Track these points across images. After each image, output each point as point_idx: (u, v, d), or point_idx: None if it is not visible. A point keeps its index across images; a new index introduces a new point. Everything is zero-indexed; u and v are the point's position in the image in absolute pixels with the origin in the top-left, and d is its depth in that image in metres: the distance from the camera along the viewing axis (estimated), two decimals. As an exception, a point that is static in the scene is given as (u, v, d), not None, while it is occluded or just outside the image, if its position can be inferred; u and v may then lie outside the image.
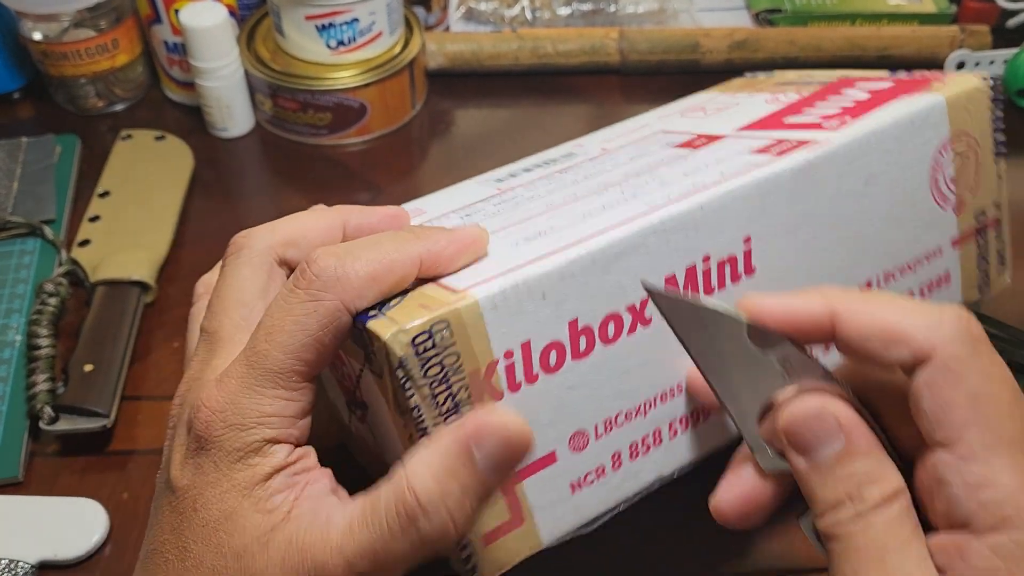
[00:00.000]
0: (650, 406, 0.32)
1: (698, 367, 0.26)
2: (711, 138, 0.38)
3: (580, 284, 0.29)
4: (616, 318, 0.30)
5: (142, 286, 0.48)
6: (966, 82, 0.38)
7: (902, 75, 0.41)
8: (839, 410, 0.25)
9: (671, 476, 0.33)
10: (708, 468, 0.31)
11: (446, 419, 0.27)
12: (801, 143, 0.34)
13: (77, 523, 0.39)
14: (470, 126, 0.63)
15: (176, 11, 0.58)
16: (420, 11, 0.66)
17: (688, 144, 0.38)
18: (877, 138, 0.35)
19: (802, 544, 0.38)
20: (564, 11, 0.70)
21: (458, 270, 0.29)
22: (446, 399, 0.27)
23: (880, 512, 0.24)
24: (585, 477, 0.31)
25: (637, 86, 0.65)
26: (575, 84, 0.65)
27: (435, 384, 0.27)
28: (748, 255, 0.32)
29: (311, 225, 0.31)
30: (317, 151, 0.60)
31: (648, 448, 0.33)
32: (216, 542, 0.26)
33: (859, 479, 0.25)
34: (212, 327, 0.29)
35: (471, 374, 0.28)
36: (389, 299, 0.28)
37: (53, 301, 0.47)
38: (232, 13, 0.60)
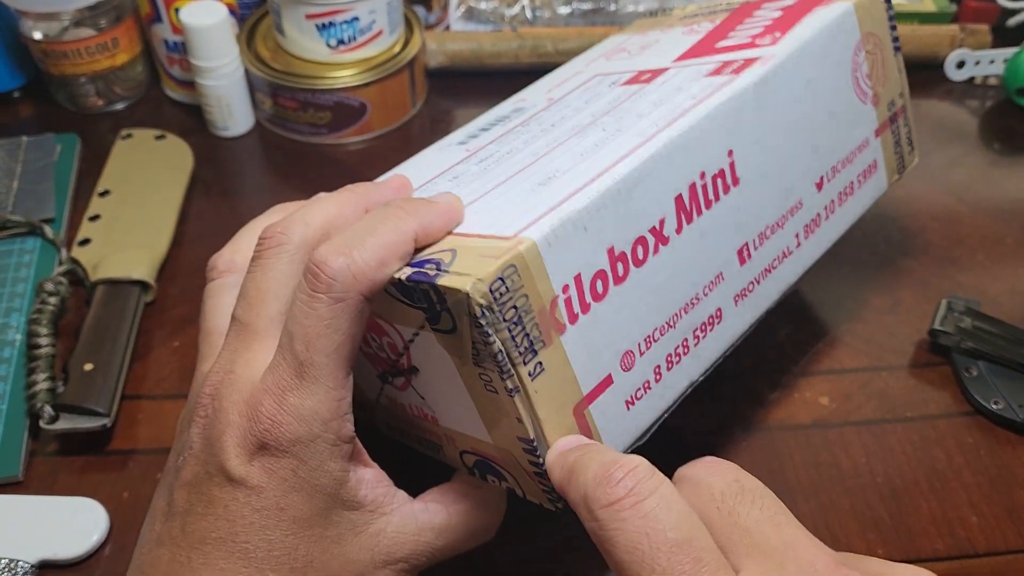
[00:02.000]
0: (677, 318, 0.35)
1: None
2: (655, 72, 0.41)
3: (612, 213, 0.32)
4: (642, 241, 0.33)
5: (142, 285, 0.48)
6: None
7: None
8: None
9: (698, 380, 0.37)
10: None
11: (524, 359, 0.29)
12: (748, 61, 0.38)
13: (77, 522, 0.39)
14: (470, 125, 0.63)
15: (176, 10, 0.58)
16: (420, 10, 0.66)
17: (636, 80, 0.41)
18: (808, 47, 0.39)
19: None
20: (564, 10, 0.70)
21: (441, 237, 0.31)
22: (523, 339, 0.29)
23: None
24: (636, 393, 0.34)
25: (637, 85, 0.65)
26: (575, 83, 0.65)
27: (512, 326, 0.29)
28: (732, 167, 0.36)
29: (341, 216, 0.32)
30: (317, 150, 0.60)
31: (679, 357, 0.36)
32: (315, 536, 0.29)
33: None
34: (247, 319, 0.30)
35: (539, 311, 0.29)
36: (422, 260, 0.30)
37: (53, 300, 0.47)
38: (232, 12, 0.60)
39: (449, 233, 0.31)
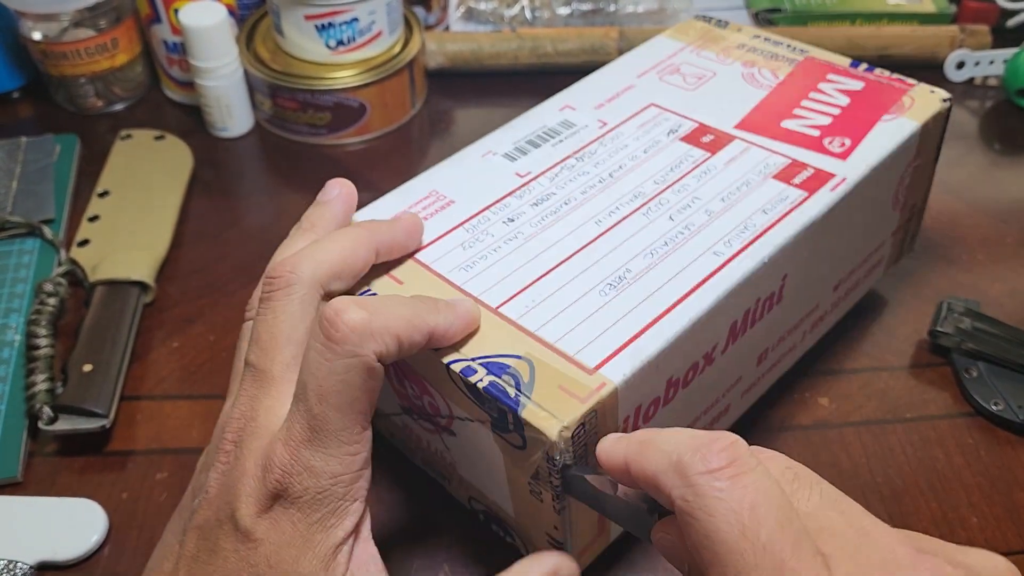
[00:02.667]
0: (695, 421, 0.37)
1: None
2: (718, 138, 0.40)
3: (680, 350, 0.33)
4: (695, 366, 0.34)
5: (141, 286, 0.48)
6: (932, 104, 0.43)
7: (866, 72, 0.45)
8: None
9: None
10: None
11: None
12: (818, 176, 0.38)
13: (76, 523, 0.39)
14: (470, 125, 0.63)
15: (175, 11, 0.58)
16: (420, 11, 0.66)
17: (696, 141, 0.40)
18: (875, 172, 0.39)
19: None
20: (563, 11, 0.70)
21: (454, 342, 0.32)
22: (583, 466, 0.30)
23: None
24: None
25: (637, 86, 0.65)
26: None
27: (579, 459, 0.30)
28: (782, 289, 0.37)
29: (352, 255, 0.32)
30: (316, 151, 0.60)
31: None
32: None
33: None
34: (263, 364, 0.29)
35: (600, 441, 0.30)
36: (496, 364, 0.31)
37: (52, 301, 0.47)
38: (231, 13, 0.60)
39: (523, 331, 0.32)
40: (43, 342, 0.45)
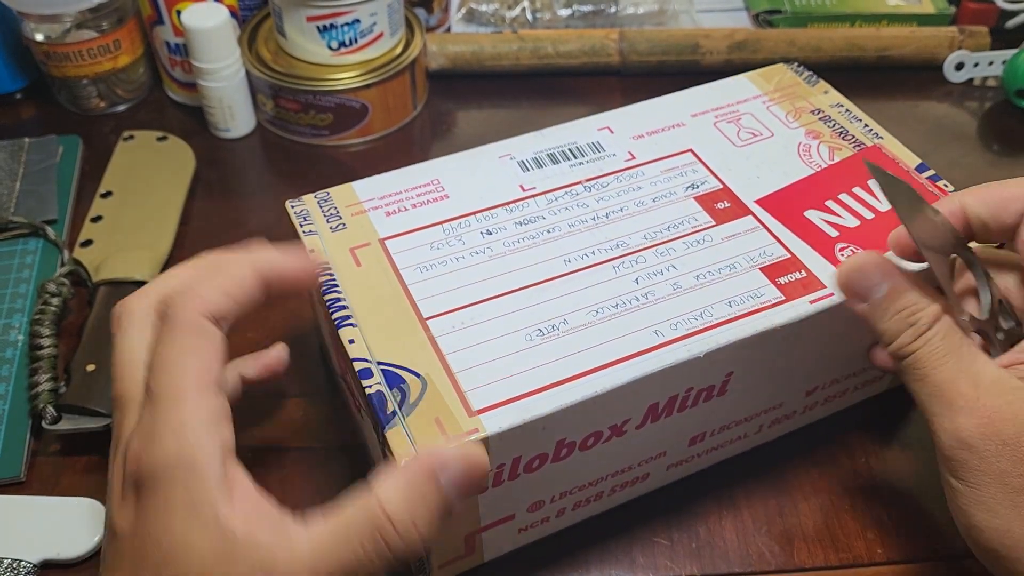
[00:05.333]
0: (602, 480, 0.36)
1: (908, 231, 0.31)
2: (733, 207, 0.39)
3: (579, 417, 0.32)
4: (597, 434, 0.33)
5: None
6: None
7: (927, 179, 0.41)
8: (879, 261, 0.31)
9: (597, 515, 0.38)
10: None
11: None
12: (807, 283, 0.35)
13: (79, 523, 0.39)
14: (471, 127, 0.63)
15: (178, 12, 0.58)
16: (421, 12, 0.66)
17: (708, 203, 0.39)
18: None
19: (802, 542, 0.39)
20: (564, 12, 0.70)
21: (293, 277, 0.32)
22: None
23: (933, 329, 0.30)
24: (532, 525, 0.36)
25: (637, 87, 0.65)
26: (575, 85, 0.65)
27: None
28: (725, 384, 0.35)
29: (193, 278, 0.31)
30: (318, 152, 0.60)
31: (588, 502, 0.37)
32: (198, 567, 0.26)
33: (908, 310, 0.31)
34: (116, 392, 0.30)
35: None
36: (396, 372, 0.31)
37: (55, 301, 0.47)
38: (233, 14, 0.60)
39: (436, 350, 0.32)
40: (46, 342, 0.45)
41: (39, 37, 0.59)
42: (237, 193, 0.57)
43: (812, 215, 0.39)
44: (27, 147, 0.58)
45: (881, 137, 0.43)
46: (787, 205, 0.39)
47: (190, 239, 0.54)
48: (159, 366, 0.28)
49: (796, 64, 0.47)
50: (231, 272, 0.30)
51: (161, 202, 0.54)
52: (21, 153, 0.57)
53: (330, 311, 0.34)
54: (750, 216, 0.38)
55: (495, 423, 0.30)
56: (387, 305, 0.34)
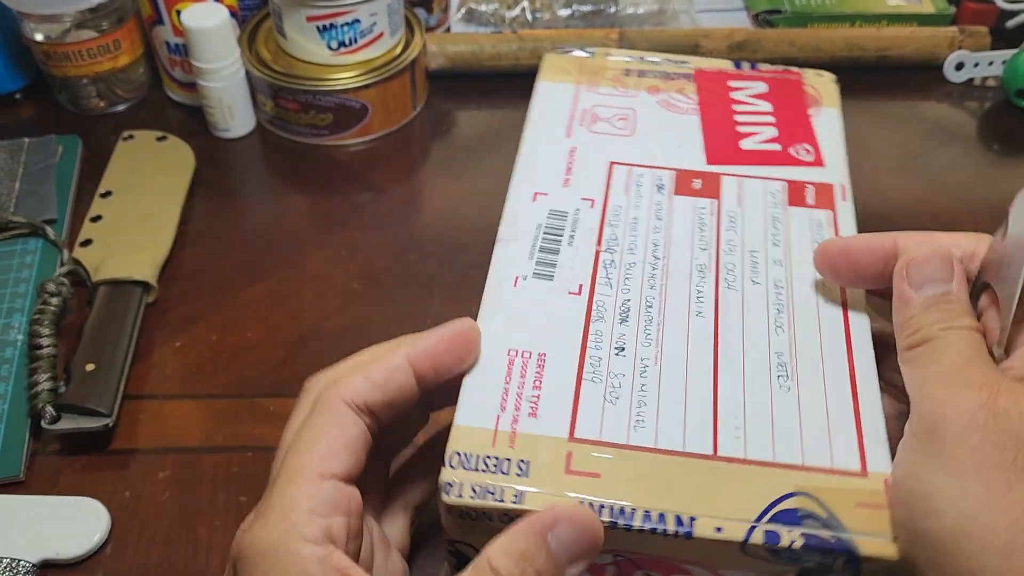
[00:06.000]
0: None
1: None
2: (705, 181, 0.38)
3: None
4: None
5: (144, 286, 0.49)
6: (831, 88, 0.44)
7: (755, 71, 0.44)
8: (949, 260, 0.30)
9: None
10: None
11: None
12: (822, 190, 0.38)
13: (78, 522, 0.39)
14: (471, 127, 0.63)
15: (178, 12, 0.58)
16: (421, 12, 0.66)
17: (687, 189, 0.38)
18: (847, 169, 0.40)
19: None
20: (564, 12, 0.70)
21: (450, 363, 0.30)
22: None
23: (964, 329, 0.29)
24: None
25: (637, 87, 0.65)
26: (575, 85, 0.65)
27: None
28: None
29: (372, 364, 0.30)
30: (318, 152, 0.60)
31: None
32: None
33: (953, 312, 0.29)
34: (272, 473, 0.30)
35: None
36: (787, 511, 0.28)
37: (55, 301, 0.47)
38: (233, 14, 0.60)
39: (762, 464, 0.29)
40: (46, 342, 0.45)
41: (39, 37, 0.59)
42: (237, 193, 0.57)
43: (746, 144, 0.40)
44: (27, 147, 0.58)
45: (687, 62, 0.44)
46: (726, 151, 0.39)
47: (190, 239, 0.54)
48: (292, 448, 0.29)
49: (561, 48, 0.46)
50: (382, 361, 0.30)
51: (161, 202, 0.54)
52: (21, 153, 0.57)
53: None
54: (724, 176, 0.38)
55: (881, 460, 0.29)
56: None
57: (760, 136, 0.40)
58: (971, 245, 0.31)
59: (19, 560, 0.38)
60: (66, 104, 0.63)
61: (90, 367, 0.44)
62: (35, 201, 0.54)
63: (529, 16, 0.70)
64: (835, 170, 0.39)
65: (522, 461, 0.28)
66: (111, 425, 0.42)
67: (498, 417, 0.29)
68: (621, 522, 0.27)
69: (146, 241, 0.52)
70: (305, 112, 0.59)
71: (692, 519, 0.27)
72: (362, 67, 0.59)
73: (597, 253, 0.35)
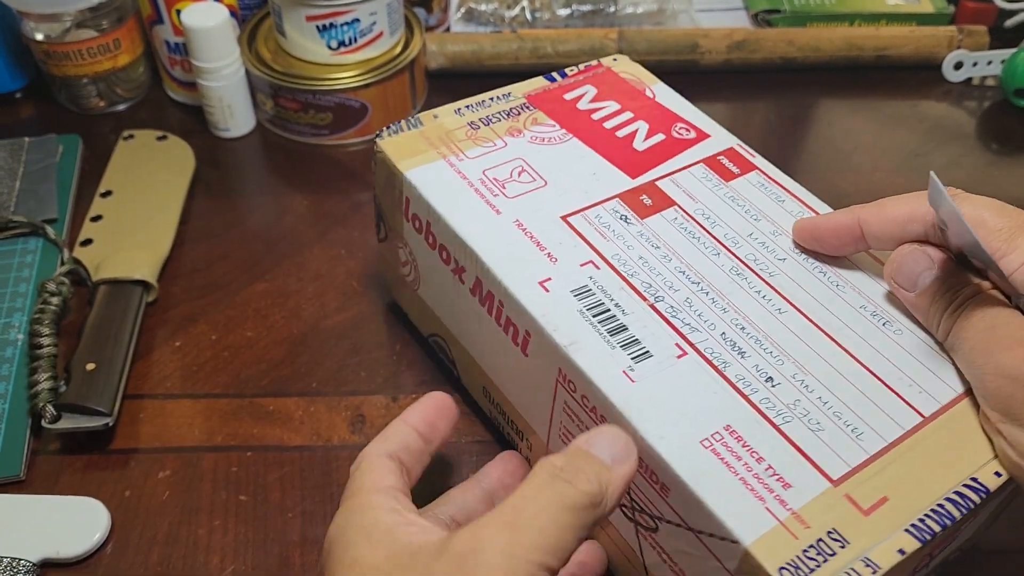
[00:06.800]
0: None
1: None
2: (650, 192, 0.39)
3: None
4: None
5: (144, 285, 0.49)
6: (631, 65, 0.48)
7: (567, 79, 0.46)
8: (921, 251, 0.33)
9: None
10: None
11: None
12: (734, 155, 0.42)
13: (79, 521, 0.39)
14: (470, 126, 0.63)
15: (177, 11, 0.58)
16: (421, 12, 0.66)
17: (637, 206, 0.39)
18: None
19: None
20: (563, 12, 0.70)
21: (441, 429, 0.35)
22: None
23: (976, 297, 0.31)
24: None
25: (637, 86, 0.65)
26: (575, 84, 0.65)
27: None
28: None
29: (392, 437, 0.34)
30: (318, 151, 0.60)
31: None
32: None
33: (952, 290, 0.32)
34: None
35: None
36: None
37: (55, 300, 0.47)
38: (233, 13, 0.60)
39: (942, 409, 0.31)
40: (46, 341, 0.45)
41: (39, 36, 0.59)
42: (237, 192, 0.57)
43: (639, 144, 0.41)
44: (27, 146, 0.58)
45: (512, 92, 0.45)
46: (632, 159, 0.41)
47: (190, 238, 0.54)
48: (349, 489, 0.31)
49: (380, 133, 0.42)
50: (399, 427, 0.34)
51: (161, 201, 0.55)
52: (21, 152, 0.58)
53: None
54: (660, 180, 0.40)
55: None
56: None
57: (640, 133, 0.42)
58: (923, 204, 0.33)
59: (19, 559, 0.38)
60: (66, 103, 0.63)
61: (90, 366, 0.44)
62: (35, 200, 0.54)
63: (529, 16, 0.70)
64: (720, 134, 0.42)
65: (829, 532, 0.27)
66: (111, 424, 0.42)
67: (768, 510, 0.28)
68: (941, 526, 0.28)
69: (146, 240, 0.52)
70: (305, 111, 0.59)
71: (976, 480, 0.29)
72: (362, 67, 0.59)
73: (652, 307, 0.34)
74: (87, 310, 0.47)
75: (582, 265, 0.35)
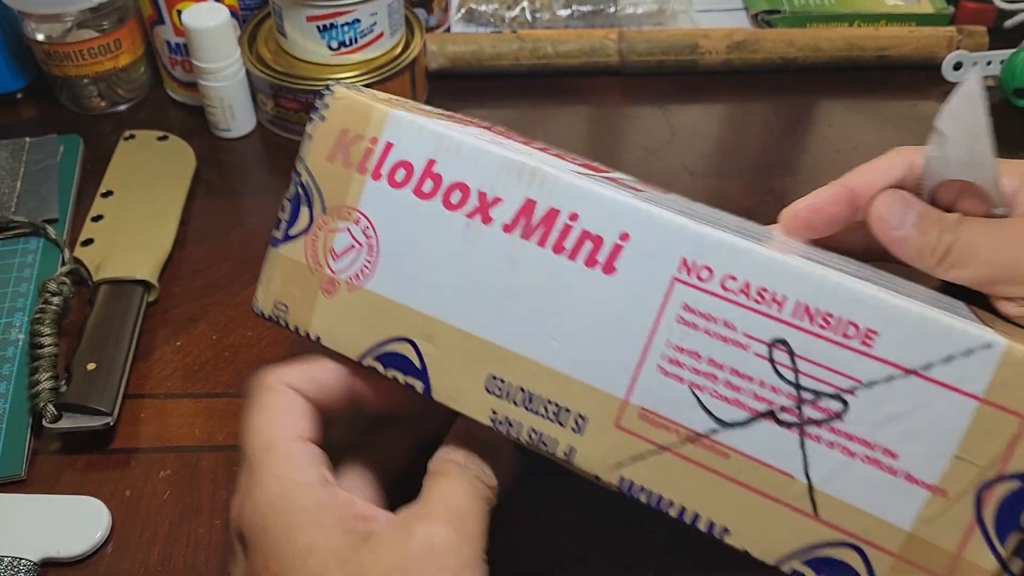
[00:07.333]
0: None
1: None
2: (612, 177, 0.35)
3: None
4: None
5: (145, 285, 0.49)
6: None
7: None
8: (904, 194, 0.34)
9: None
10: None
11: None
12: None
13: (79, 521, 0.39)
14: (470, 126, 0.63)
15: (178, 12, 0.58)
16: (421, 12, 0.66)
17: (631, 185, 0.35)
18: None
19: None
20: (564, 12, 0.70)
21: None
22: None
23: (963, 219, 0.33)
24: None
25: (636, 87, 0.65)
26: (575, 85, 0.65)
27: None
28: None
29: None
30: (318, 151, 0.60)
31: None
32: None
33: (940, 217, 0.34)
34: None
35: None
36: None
37: (56, 300, 0.47)
38: (234, 14, 0.60)
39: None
40: (47, 341, 0.45)
41: (40, 36, 0.59)
42: (238, 192, 0.57)
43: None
44: (28, 146, 0.58)
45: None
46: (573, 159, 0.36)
47: (190, 238, 0.54)
48: (247, 431, 0.30)
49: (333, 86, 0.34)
50: (317, 361, 0.32)
51: (162, 201, 0.55)
52: (22, 152, 0.58)
53: None
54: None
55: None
56: None
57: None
58: (902, 161, 0.35)
59: (20, 559, 0.38)
60: (67, 104, 0.63)
61: (91, 366, 0.44)
62: (36, 200, 0.54)
63: (529, 16, 0.70)
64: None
65: None
66: (112, 424, 0.42)
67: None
68: None
69: (147, 240, 0.52)
70: (305, 112, 0.59)
71: None
72: (362, 67, 0.59)
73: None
74: (88, 310, 0.47)
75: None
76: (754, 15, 0.71)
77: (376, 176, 0.33)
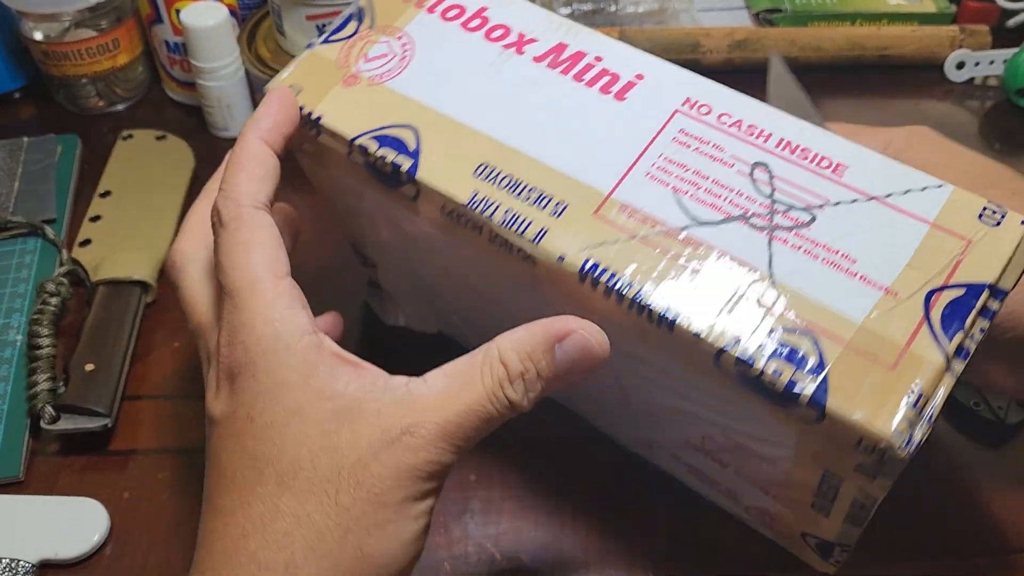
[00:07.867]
0: None
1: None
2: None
3: None
4: None
5: (143, 286, 0.49)
6: None
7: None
8: None
9: None
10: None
11: None
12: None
13: (78, 522, 0.39)
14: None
15: (177, 11, 0.58)
16: (420, 11, 0.66)
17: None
18: None
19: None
20: (564, 11, 0.70)
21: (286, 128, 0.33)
22: None
23: None
24: None
25: (637, 86, 0.65)
26: (575, 84, 0.65)
27: None
28: None
29: (234, 164, 0.33)
30: (318, 151, 0.60)
31: None
32: (296, 434, 0.28)
33: None
34: (192, 324, 0.33)
35: None
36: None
37: (54, 301, 0.47)
38: (233, 13, 0.60)
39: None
40: (45, 342, 0.45)
41: (38, 36, 0.59)
42: (236, 192, 0.57)
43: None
44: (26, 146, 0.58)
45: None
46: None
47: (189, 238, 0.54)
48: (227, 267, 0.29)
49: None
50: (250, 157, 0.31)
51: (160, 201, 0.54)
52: (20, 152, 0.57)
53: None
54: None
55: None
56: None
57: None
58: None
59: (18, 560, 0.38)
60: (65, 103, 0.63)
61: (89, 367, 0.43)
62: (34, 201, 0.54)
63: (529, 15, 0.70)
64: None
65: None
66: (110, 425, 0.42)
67: None
68: None
69: (145, 241, 0.52)
70: (305, 111, 0.59)
71: None
72: (362, 66, 0.59)
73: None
74: (86, 311, 0.47)
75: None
76: (756, 14, 0.71)
77: (431, 11, 0.37)
